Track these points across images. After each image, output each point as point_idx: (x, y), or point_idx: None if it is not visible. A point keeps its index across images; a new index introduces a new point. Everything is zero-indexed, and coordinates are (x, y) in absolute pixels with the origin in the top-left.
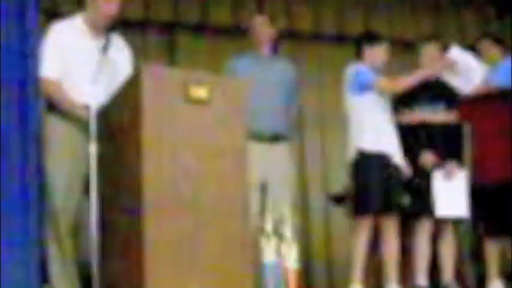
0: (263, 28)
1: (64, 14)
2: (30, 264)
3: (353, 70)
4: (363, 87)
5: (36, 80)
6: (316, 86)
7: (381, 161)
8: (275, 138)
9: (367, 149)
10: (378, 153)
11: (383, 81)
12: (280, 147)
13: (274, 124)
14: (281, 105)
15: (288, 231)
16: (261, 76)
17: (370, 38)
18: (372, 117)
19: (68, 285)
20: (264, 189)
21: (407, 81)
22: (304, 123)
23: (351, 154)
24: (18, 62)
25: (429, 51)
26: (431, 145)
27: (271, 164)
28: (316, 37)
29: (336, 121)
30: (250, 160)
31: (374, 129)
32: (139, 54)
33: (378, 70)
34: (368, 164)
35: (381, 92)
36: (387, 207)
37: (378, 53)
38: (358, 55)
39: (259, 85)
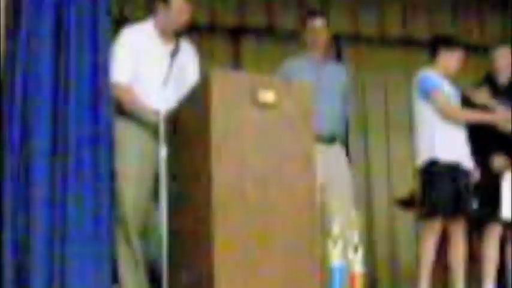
0: (319, 31)
1: (132, 21)
2: (101, 265)
3: (420, 75)
4: (426, 94)
5: (107, 84)
6: (381, 90)
7: (451, 168)
8: (332, 139)
9: (438, 158)
10: (449, 162)
11: (441, 98)
12: (337, 148)
13: (332, 125)
14: (337, 107)
15: (355, 235)
16: (317, 78)
17: (447, 42)
18: (442, 124)
19: (138, 286)
20: (325, 190)
21: (466, 116)
22: (369, 127)
23: (421, 161)
24: (90, 69)
25: (504, 55)
26: (502, 147)
27: (330, 165)
28: (381, 41)
29: (401, 124)
30: None
31: (445, 136)
32: (206, 59)
33: (449, 77)
34: (439, 172)
35: (434, 104)
36: (456, 210)
37: (452, 59)
38: (434, 58)
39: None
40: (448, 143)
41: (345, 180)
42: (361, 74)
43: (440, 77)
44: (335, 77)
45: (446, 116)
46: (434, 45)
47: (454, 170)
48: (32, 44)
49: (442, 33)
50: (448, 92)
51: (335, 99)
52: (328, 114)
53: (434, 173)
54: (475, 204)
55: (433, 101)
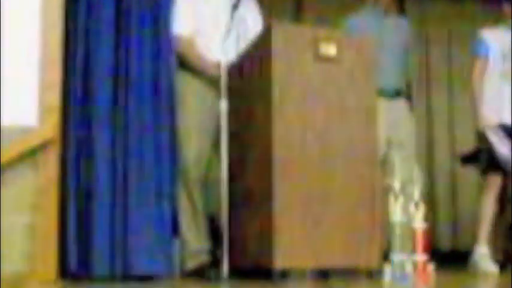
0: None
1: None
2: (163, 216)
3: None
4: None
5: (168, 37)
6: (444, 43)
7: (505, 130)
8: (396, 93)
9: (488, 122)
10: (500, 124)
11: (476, 70)
12: (401, 103)
13: (395, 80)
14: (400, 61)
15: (416, 192)
16: (379, 33)
17: None
18: (490, 86)
19: (198, 238)
20: (388, 145)
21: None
22: (432, 83)
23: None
24: (151, 19)
25: None
26: None
27: (394, 120)
28: None
29: (464, 80)
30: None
31: (492, 99)
32: (266, 12)
33: None
34: (493, 133)
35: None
36: None
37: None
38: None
39: (377, 41)
40: (495, 107)
41: (409, 135)
42: (424, 27)
43: (501, 31)
44: (398, 30)
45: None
46: None
47: (506, 130)
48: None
49: None
50: (501, 49)
51: (398, 53)
52: (392, 68)
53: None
54: None
55: (473, 68)
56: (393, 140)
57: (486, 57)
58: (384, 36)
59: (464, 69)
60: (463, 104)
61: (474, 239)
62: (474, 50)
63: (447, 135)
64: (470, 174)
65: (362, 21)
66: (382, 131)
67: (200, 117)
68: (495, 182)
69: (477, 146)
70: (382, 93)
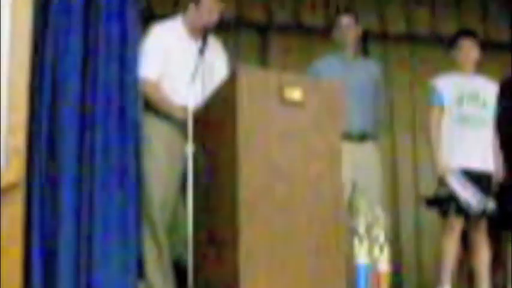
0: (348, 29)
1: (158, 16)
2: (128, 261)
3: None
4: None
5: (135, 81)
6: (407, 87)
7: (469, 175)
8: (363, 137)
9: (448, 168)
10: (462, 169)
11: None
12: (368, 146)
13: (363, 123)
14: (368, 105)
15: (381, 234)
16: (346, 77)
17: (452, 39)
18: (449, 132)
19: (163, 282)
20: (354, 188)
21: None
22: (396, 125)
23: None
24: (118, 64)
25: None
26: None
27: (361, 163)
28: (409, 37)
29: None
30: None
31: (453, 145)
32: (232, 54)
33: (468, 71)
34: (455, 179)
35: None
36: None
37: (459, 53)
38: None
39: (346, 86)
40: (459, 149)
41: (375, 179)
42: (387, 69)
43: (454, 77)
44: (366, 73)
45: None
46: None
47: (467, 175)
48: (60, 41)
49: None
50: (456, 95)
51: (366, 97)
52: (359, 111)
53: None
54: (492, 206)
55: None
56: (359, 182)
57: (441, 105)
58: (351, 80)
59: (428, 114)
60: (427, 147)
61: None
62: (428, 100)
63: (411, 177)
64: (435, 215)
65: (329, 66)
66: (348, 174)
67: (166, 161)
68: (456, 225)
69: (437, 191)
70: (348, 136)
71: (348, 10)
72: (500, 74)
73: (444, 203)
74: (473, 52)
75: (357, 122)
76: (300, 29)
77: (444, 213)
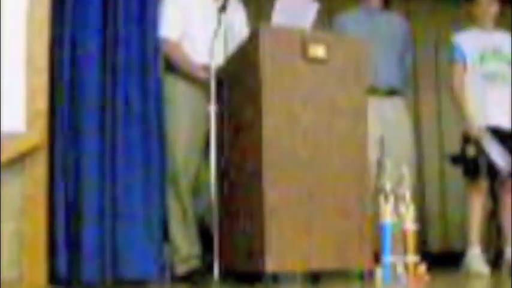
0: None
1: None
2: (153, 222)
3: (450, 42)
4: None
5: (156, 41)
6: (431, 44)
7: (492, 133)
8: (391, 92)
9: (476, 126)
10: (486, 127)
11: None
12: (396, 101)
13: (389, 78)
14: (395, 59)
15: (407, 192)
16: (372, 30)
17: None
18: (473, 89)
19: (188, 243)
20: (381, 145)
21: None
22: (420, 81)
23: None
24: (138, 23)
25: None
26: None
27: (389, 118)
28: None
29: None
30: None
31: (477, 102)
32: (253, 13)
33: (487, 25)
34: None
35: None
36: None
37: (478, 8)
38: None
39: (371, 39)
40: (481, 109)
41: (404, 133)
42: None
43: (475, 33)
44: (393, 26)
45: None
46: None
47: (494, 133)
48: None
49: None
50: (478, 51)
51: (392, 50)
52: (385, 65)
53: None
54: None
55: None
56: (387, 138)
57: (463, 61)
58: (378, 33)
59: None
60: (451, 104)
61: (465, 239)
62: (450, 56)
63: (436, 135)
64: (460, 174)
65: (355, 20)
66: (375, 130)
67: (189, 121)
68: (481, 184)
69: (463, 148)
70: (375, 91)
71: None
72: None
73: (471, 162)
74: (492, 7)
75: (384, 76)
76: None
77: (471, 173)
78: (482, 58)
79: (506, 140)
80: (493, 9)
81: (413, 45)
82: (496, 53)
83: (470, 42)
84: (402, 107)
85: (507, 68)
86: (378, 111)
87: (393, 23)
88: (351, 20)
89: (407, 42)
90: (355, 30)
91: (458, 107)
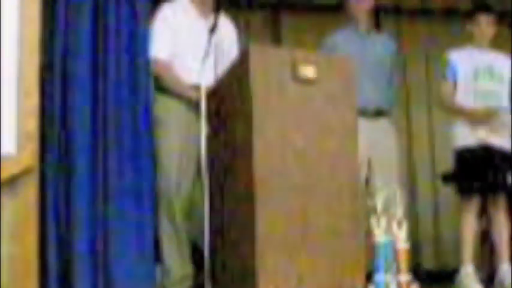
0: (359, 3)
1: None
2: (145, 244)
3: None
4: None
5: (146, 61)
6: (422, 63)
7: (483, 149)
8: (378, 113)
9: (467, 144)
10: (479, 145)
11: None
12: (384, 122)
13: (378, 99)
14: (383, 80)
15: (399, 211)
16: (360, 51)
17: (470, 12)
18: (466, 106)
19: (180, 264)
20: (369, 165)
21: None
22: (411, 101)
23: (453, 144)
24: (128, 44)
25: None
26: None
27: (376, 139)
28: (423, 12)
29: None
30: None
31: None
32: (243, 33)
33: (485, 45)
34: (471, 155)
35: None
36: (492, 187)
37: (476, 28)
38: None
39: (360, 60)
40: (472, 127)
41: (391, 155)
42: (401, 45)
43: (469, 51)
44: (382, 48)
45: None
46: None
47: (484, 150)
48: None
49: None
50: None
51: (381, 72)
52: (374, 87)
53: (466, 157)
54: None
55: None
56: (375, 159)
57: (454, 79)
58: (367, 54)
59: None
60: (442, 123)
61: (458, 257)
62: (442, 73)
63: (428, 153)
64: (452, 192)
65: (344, 40)
66: (363, 151)
67: (181, 142)
68: (474, 202)
69: (456, 166)
70: (363, 113)
71: None
72: None
73: (461, 180)
74: (490, 28)
75: (372, 97)
76: (311, 7)
77: (462, 191)
78: (475, 76)
79: (497, 157)
80: (491, 30)
81: (401, 63)
82: (490, 71)
83: (464, 60)
84: (390, 128)
85: (500, 87)
86: (366, 132)
87: (382, 44)
88: (339, 41)
89: (394, 63)
90: (344, 51)
91: (451, 116)
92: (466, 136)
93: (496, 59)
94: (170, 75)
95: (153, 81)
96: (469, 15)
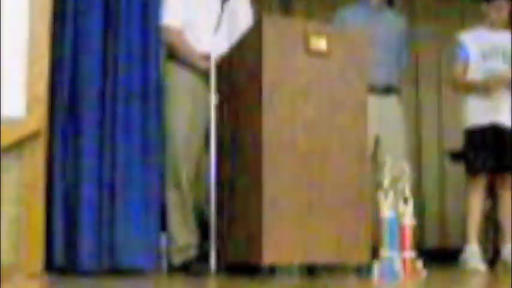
0: None
1: None
2: (150, 211)
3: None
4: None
5: (157, 28)
6: (433, 42)
7: (492, 129)
8: (388, 90)
9: (477, 123)
10: (488, 124)
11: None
12: (392, 99)
13: (387, 76)
14: (393, 57)
15: (406, 188)
16: (371, 27)
17: None
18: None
19: (186, 233)
20: (377, 141)
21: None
22: (421, 78)
23: (464, 123)
24: (140, 10)
25: None
26: None
27: (385, 116)
28: None
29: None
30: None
31: (479, 99)
32: (257, 4)
33: (499, 27)
34: (481, 133)
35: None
36: (501, 167)
37: (492, 11)
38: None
39: (371, 36)
40: (486, 106)
41: (399, 132)
42: (413, 22)
43: (480, 31)
44: (392, 24)
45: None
46: None
47: (494, 130)
48: None
49: None
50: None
51: (391, 48)
52: (384, 63)
53: (475, 136)
54: None
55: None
56: (383, 136)
57: (466, 60)
58: (377, 30)
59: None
60: (451, 101)
61: (463, 236)
62: (453, 54)
63: (436, 132)
64: (459, 171)
65: (354, 15)
66: (372, 127)
67: (190, 110)
68: (481, 181)
69: (464, 144)
70: (373, 89)
71: None
72: None
73: (469, 158)
74: (504, 12)
75: (382, 74)
76: None
77: (469, 170)
78: (484, 56)
79: (504, 138)
80: (505, 13)
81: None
82: (503, 51)
83: (475, 40)
84: (398, 106)
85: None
86: (375, 108)
87: (391, 20)
88: (350, 15)
89: (404, 40)
90: (353, 26)
91: (462, 97)
92: (477, 115)
93: (507, 39)
94: (182, 44)
95: (164, 49)
96: None
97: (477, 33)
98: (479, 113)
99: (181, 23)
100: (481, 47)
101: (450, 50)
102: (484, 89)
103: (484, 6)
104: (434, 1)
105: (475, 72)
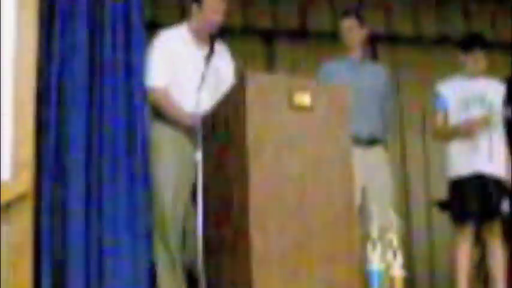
0: (351, 31)
1: (165, 26)
2: (139, 270)
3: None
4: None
5: (143, 89)
6: (417, 91)
7: (477, 177)
8: (372, 141)
9: (461, 174)
10: (473, 173)
11: (435, 122)
12: (377, 150)
13: (371, 127)
14: (376, 109)
15: (394, 238)
16: (354, 80)
17: (465, 44)
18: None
19: None
20: (364, 194)
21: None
22: (406, 129)
23: (448, 174)
24: (124, 73)
25: None
26: None
27: (370, 167)
28: (417, 40)
29: None
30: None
31: (462, 149)
32: (238, 62)
33: (478, 75)
34: (465, 183)
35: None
36: (487, 214)
37: (469, 60)
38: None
39: (353, 89)
40: (470, 155)
41: (385, 183)
42: (396, 73)
43: (459, 80)
44: (374, 77)
45: (434, 139)
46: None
47: (478, 179)
48: (66, 46)
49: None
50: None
51: (374, 100)
52: (367, 115)
53: (459, 186)
54: (506, 207)
55: (433, 123)
56: (369, 187)
57: (445, 109)
58: (360, 83)
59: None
60: (437, 150)
61: (452, 286)
62: (432, 105)
63: (422, 180)
64: (447, 220)
65: (338, 69)
66: (358, 179)
67: (176, 168)
68: (468, 229)
69: (449, 194)
70: (357, 141)
71: (348, 13)
72: (507, 73)
73: (455, 208)
74: (482, 61)
75: (366, 126)
76: (306, 34)
77: (456, 220)
78: (466, 105)
79: (491, 184)
80: (483, 63)
81: (397, 91)
82: (482, 99)
83: (454, 90)
84: (384, 156)
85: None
86: (360, 160)
87: (374, 73)
88: (333, 69)
89: (388, 91)
90: (337, 80)
91: (445, 143)
92: (459, 166)
93: (489, 86)
94: (168, 102)
95: (151, 108)
96: (464, 46)
97: (455, 83)
98: (462, 161)
99: (165, 83)
100: (459, 95)
101: (430, 100)
102: (466, 131)
103: (461, 57)
104: (417, 53)
105: (455, 121)
